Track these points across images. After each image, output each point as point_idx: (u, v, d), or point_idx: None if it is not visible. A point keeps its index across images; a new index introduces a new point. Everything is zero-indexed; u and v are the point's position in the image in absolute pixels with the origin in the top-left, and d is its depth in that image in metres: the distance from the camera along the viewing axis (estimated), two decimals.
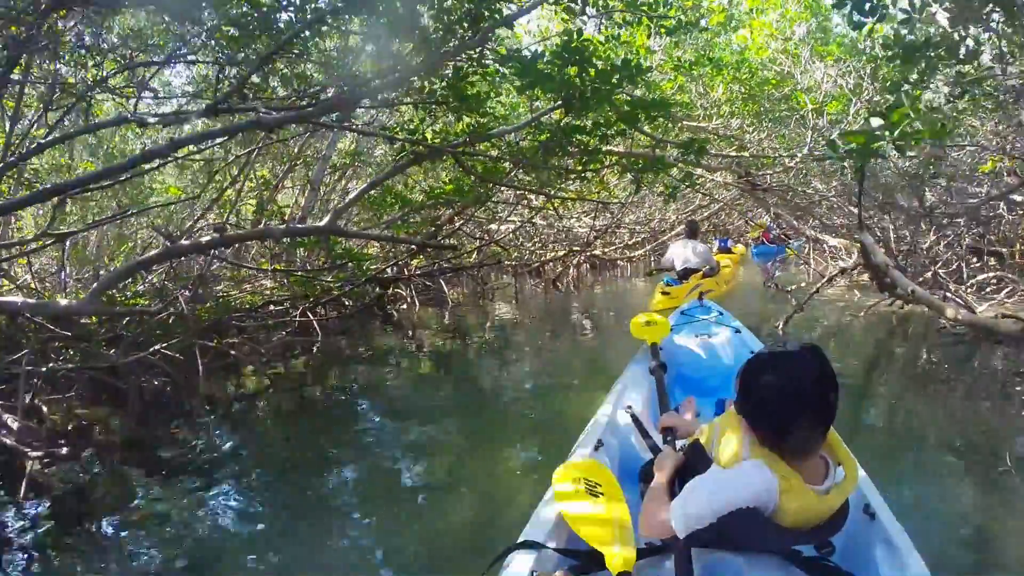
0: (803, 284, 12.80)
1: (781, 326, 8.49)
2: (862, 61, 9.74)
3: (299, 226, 7.59)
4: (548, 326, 11.46)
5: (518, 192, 10.58)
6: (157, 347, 6.21)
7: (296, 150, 11.42)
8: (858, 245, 16.15)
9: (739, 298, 12.93)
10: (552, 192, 9.34)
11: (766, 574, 2.04)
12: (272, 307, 9.59)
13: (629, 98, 5.69)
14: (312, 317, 9.23)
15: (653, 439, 3.12)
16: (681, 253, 10.39)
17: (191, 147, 7.63)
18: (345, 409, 6.97)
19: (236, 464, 5.29)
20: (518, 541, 2.29)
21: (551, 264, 15.74)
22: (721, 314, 5.80)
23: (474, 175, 7.69)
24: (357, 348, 9.51)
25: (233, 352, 7.42)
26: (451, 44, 5.55)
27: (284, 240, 8.75)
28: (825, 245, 16.37)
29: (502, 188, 9.46)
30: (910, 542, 2.30)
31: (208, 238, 6.41)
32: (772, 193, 12.21)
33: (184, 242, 6.36)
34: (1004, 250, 12.15)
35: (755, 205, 19.78)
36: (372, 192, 8.08)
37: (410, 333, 10.65)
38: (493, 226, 14.11)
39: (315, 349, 8.76)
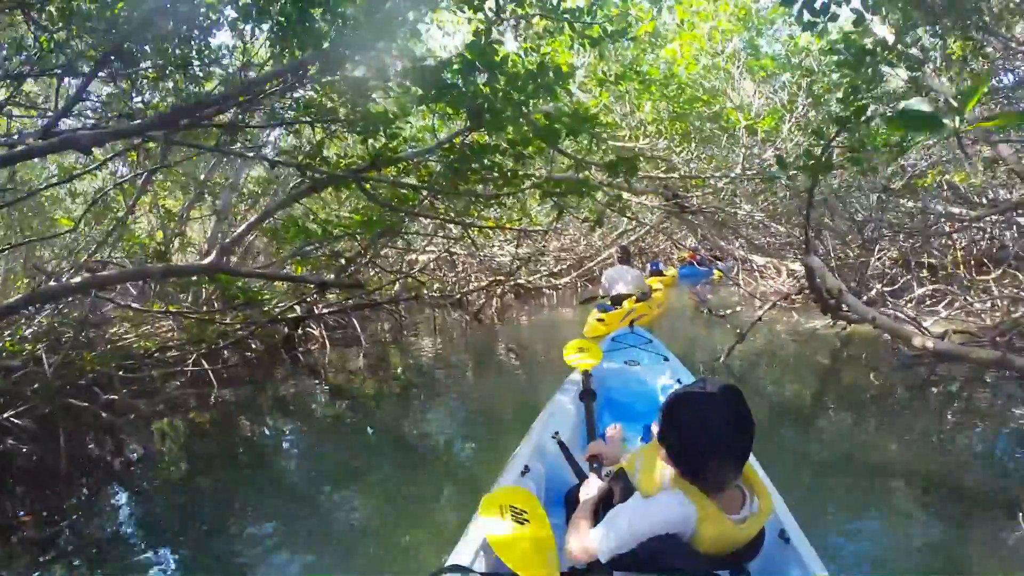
0: (738, 308, 12.39)
1: (723, 358, 7.96)
2: (795, 75, 9.28)
3: (180, 264, 6.70)
4: (471, 362, 10.89)
5: (433, 221, 9.80)
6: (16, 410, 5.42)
7: (202, 178, 10.51)
8: (787, 265, 16.25)
9: (673, 323, 12.52)
10: (469, 221, 8.63)
11: None
12: (169, 352, 8.69)
13: (547, 113, 4.95)
14: (207, 366, 8.20)
15: (580, 465, 3.19)
16: (614, 279, 10.37)
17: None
18: (249, 468, 6.18)
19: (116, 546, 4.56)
20: (444, 565, 2.32)
21: (474, 295, 14.93)
22: (650, 342, 5.89)
23: (380, 204, 6.94)
24: (263, 396, 8.60)
25: (104, 413, 6.34)
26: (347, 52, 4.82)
27: (168, 279, 7.72)
28: (753, 265, 16.27)
29: (417, 218, 8.72)
30: (821, 563, 2.41)
31: (79, 279, 5.64)
32: (700, 215, 11.74)
33: (53, 283, 5.54)
34: (935, 262, 11.88)
35: (681, 227, 19.55)
36: (267, 224, 7.23)
37: (322, 376, 9.78)
38: (411, 256, 13.30)
39: (212, 400, 7.82)
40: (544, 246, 15.91)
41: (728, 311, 11.85)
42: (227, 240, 6.59)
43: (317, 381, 9.47)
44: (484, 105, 4.46)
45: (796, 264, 15.11)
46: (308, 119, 6.17)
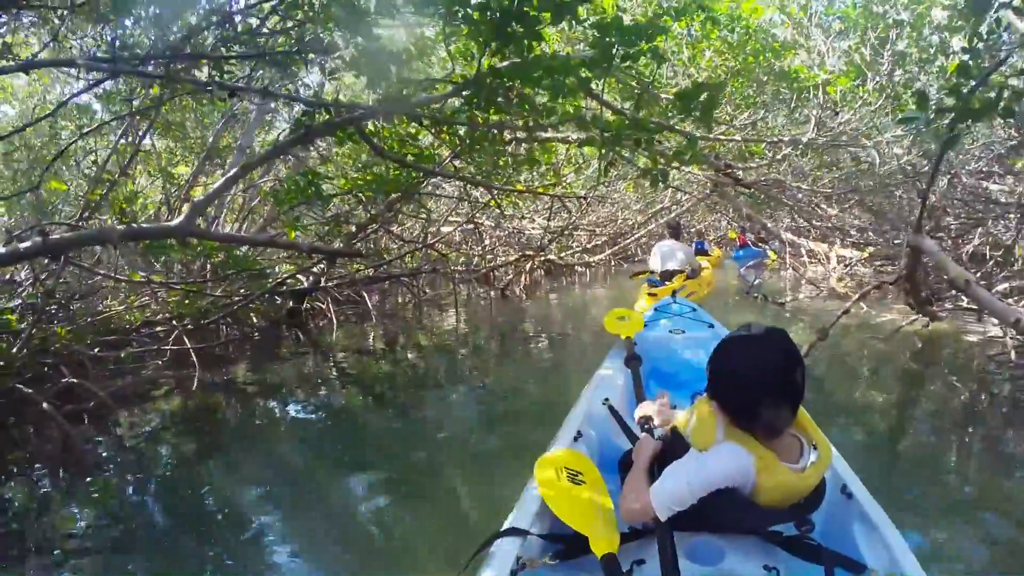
0: (800, 295, 11.39)
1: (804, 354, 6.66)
2: (879, 28, 7.98)
3: (144, 227, 5.68)
4: (497, 340, 9.96)
5: (456, 183, 8.71)
6: None
7: (212, 139, 9.52)
8: (836, 251, 15.01)
9: (721, 308, 11.28)
10: (497, 184, 7.54)
11: (747, 554, 2.13)
12: (157, 328, 7.80)
13: (598, 24, 3.77)
14: (189, 344, 7.15)
15: (631, 429, 3.14)
16: (665, 254, 9.92)
17: None
18: (228, 467, 5.28)
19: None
20: (502, 529, 2.24)
21: (501, 271, 13.82)
22: (694, 310, 5.81)
23: (390, 158, 5.88)
24: (259, 377, 7.64)
25: (44, 405, 5.30)
26: None
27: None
28: (802, 249, 15.12)
29: (435, 179, 7.66)
30: (887, 518, 2.31)
31: (28, 244, 4.68)
32: (756, 190, 10.55)
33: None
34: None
35: (724, 206, 18.31)
36: (268, 184, 6.20)
37: (329, 355, 8.76)
38: (434, 228, 12.23)
39: (196, 383, 6.74)
40: (578, 219, 14.66)
41: (788, 298, 10.80)
42: (200, 199, 5.54)
43: (323, 360, 8.51)
44: (515, 16, 3.33)
45: (846, 250, 14.08)
46: (301, 54, 5.11)
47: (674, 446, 2.35)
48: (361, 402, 6.97)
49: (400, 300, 12.45)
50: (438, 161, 6.90)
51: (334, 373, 7.96)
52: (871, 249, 13.31)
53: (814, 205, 13.15)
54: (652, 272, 9.93)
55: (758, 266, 17.46)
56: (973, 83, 3.31)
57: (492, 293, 13.18)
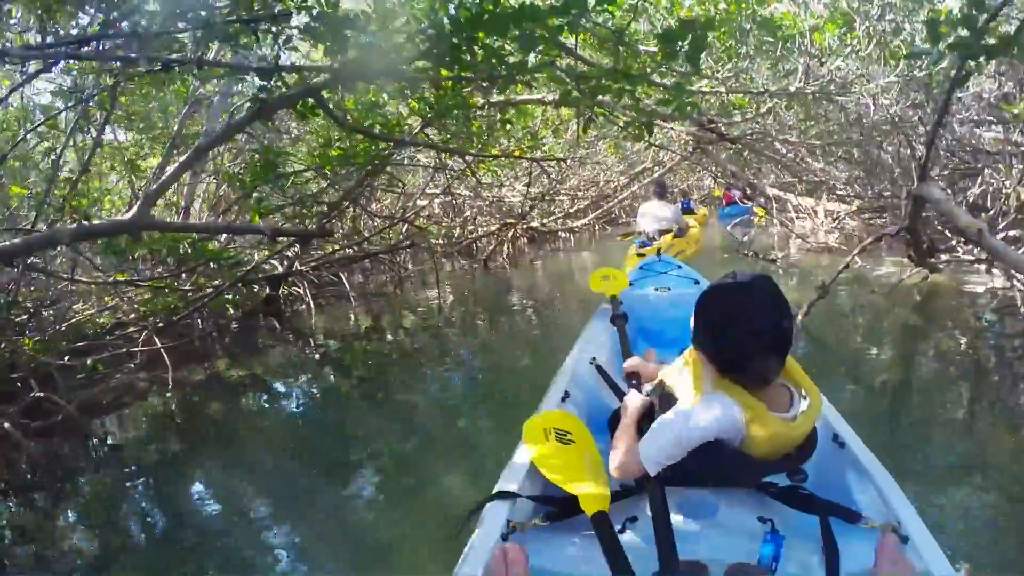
0: (781, 252, 11.34)
1: (800, 317, 6.31)
2: None
3: (94, 224, 5.32)
4: (482, 314, 9.67)
5: (430, 153, 8.34)
6: None
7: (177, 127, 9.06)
8: (824, 205, 14.71)
9: (711, 266, 11.02)
10: (471, 151, 7.20)
11: (741, 506, 2.12)
12: (129, 329, 7.41)
13: None
14: (159, 343, 6.79)
15: (619, 387, 3.12)
16: (651, 214, 10.05)
17: None
18: (211, 478, 4.89)
19: None
20: (493, 492, 2.19)
21: (482, 241, 13.45)
22: (680, 267, 5.85)
23: (350, 128, 5.53)
24: (236, 372, 7.24)
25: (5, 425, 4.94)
26: None
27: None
28: (789, 204, 14.84)
29: (407, 149, 7.29)
30: (881, 466, 2.29)
31: None
32: (746, 145, 10.20)
33: None
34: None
35: (708, 164, 17.96)
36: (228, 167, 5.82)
37: (310, 341, 8.43)
38: (408, 202, 11.84)
39: (171, 384, 6.38)
40: (558, 184, 14.26)
41: (780, 254, 10.56)
42: (152, 189, 5.14)
43: (303, 347, 8.22)
44: None
45: (833, 204, 13.77)
46: (250, 24, 4.70)
47: (661, 400, 2.30)
48: (346, 387, 6.76)
49: (384, 278, 12.05)
50: (408, 131, 6.54)
51: (315, 359, 7.69)
52: (858, 202, 13.11)
53: (800, 159, 12.81)
54: (639, 233, 9.99)
55: (746, 223, 17.12)
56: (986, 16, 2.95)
57: (474, 265, 12.82)
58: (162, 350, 6.66)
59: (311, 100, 4.90)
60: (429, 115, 6.33)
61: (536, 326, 8.55)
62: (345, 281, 9.47)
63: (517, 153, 8.24)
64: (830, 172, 13.80)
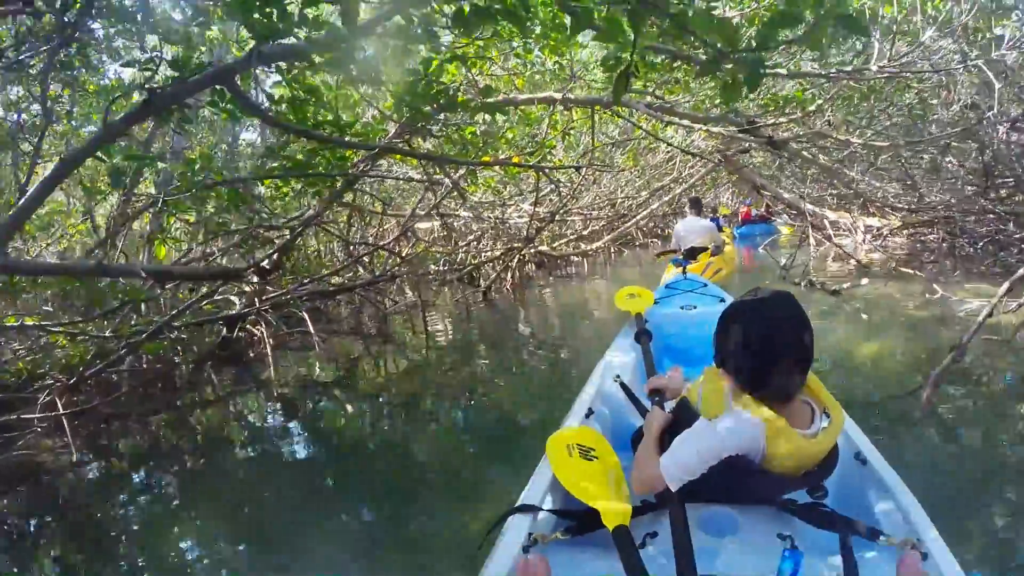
0: (817, 271, 10.60)
1: (928, 395, 4.50)
2: None
3: None
4: (475, 361, 7.89)
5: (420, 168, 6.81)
6: None
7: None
8: (864, 220, 13.19)
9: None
10: (461, 159, 5.69)
11: (760, 523, 2.11)
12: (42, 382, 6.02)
13: None
14: (60, 407, 5.27)
15: (643, 404, 3.13)
16: (688, 231, 9.54)
17: None
18: None
19: None
20: (515, 506, 2.22)
21: (485, 268, 11.81)
22: (705, 285, 5.91)
23: (284, 127, 4.08)
24: (171, 433, 5.80)
25: None
26: None
27: None
28: (825, 220, 13.49)
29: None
30: (903, 483, 2.28)
31: None
32: (793, 152, 8.66)
33: None
34: None
35: (730, 178, 16.54)
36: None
37: (267, 391, 6.90)
38: (387, 225, 10.29)
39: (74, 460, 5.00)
40: (569, 202, 12.62)
41: (845, 286, 9.15)
42: (9, 217, 3.64)
43: (260, 400, 6.75)
44: None
45: (873, 219, 12.69)
46: None
47: (684, 416, 2.29)
48: (320, 452, 5.39)
49: (376, 311, 10.37)
50: (378, 136, 5.04)
51: (275, 420, 6.18)
52: (904, 216, 12.12)
53: (844, 168, 11.29)
54: (677, 251, 9.40)
55: (770, 244, 15.61)
56: None
57: (464, 295, 11.11)
58: (71, 414, 5.30)
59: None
60: (407, 113, 4.83)
61: (540, 374, 7.08)
62: (308, 321, 7.79)
63: (515, 160, 6.57)
64: (875, 183, 12.38)
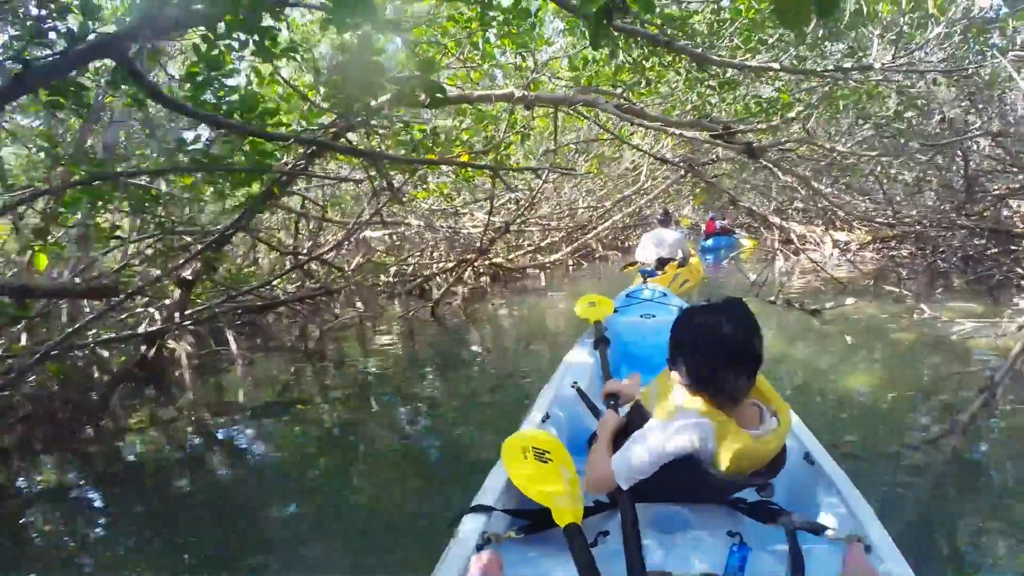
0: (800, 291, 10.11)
1: (958, 433, 3.98)
2: None
3: None
4: (416, 384, 7.05)
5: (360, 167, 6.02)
6: None
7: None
8: (831, 235, 12.77)
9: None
10: (404, 156, 4.92)
11: (711, 521, 2.17)
12: None
13: None
14: None
15: (599, 409, 3.09)
16: (658, 242, 9.56)
17: None
18: None
19: None
20: (470, 506, 2.27)
21: (437, 281, 10.98)
22: (665, 295, 5.88)
23: (183, 111, 3.38)
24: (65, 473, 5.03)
25: None
26: None
27: None
28: (792, 234, 13.13)
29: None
30: (850, 482, 2.36)
31: None
32: (771, 161, 8.06)
33: None
34: None
35: (692, 191, 16.08)
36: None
37: (191, 417, 6.05)
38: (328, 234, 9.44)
39: None
40: (526, 211, 11.84)
41: (828, 305, 8.63)
42: None
43: (173, 427, 5.88)
44: None
45: (841, 234, 12.70)
46: None
47: (637, 419, 2.32)
48: (237, 487, 4.75)
49: (316, 325, 9.44)
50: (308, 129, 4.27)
51: (189, 449, 5.38)
52: (868, 230, 12.10)
53: (818, 180, 10.82)
54: (643, 263, 9.45)
55: (734, 257, 15.06)
56: None
57: (416, 311, 10.21)
58: None
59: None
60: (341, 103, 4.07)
61: (489, 394, 6.41)
62: (232, 340, 6.89)
63: (462, 156, 5.74)
64: (847, 197, 12.00)
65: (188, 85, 3.70)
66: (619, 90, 7.28)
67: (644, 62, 6.95)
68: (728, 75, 7.42)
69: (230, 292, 7.63)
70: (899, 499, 3.76)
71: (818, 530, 2.07)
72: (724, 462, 2.00)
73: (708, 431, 1.98)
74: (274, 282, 8.81)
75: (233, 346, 6.77)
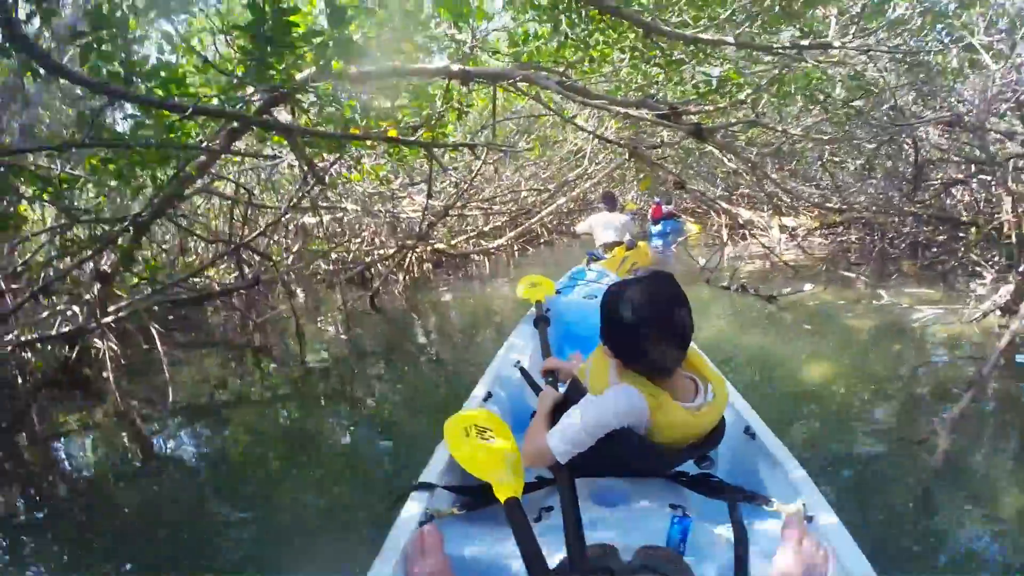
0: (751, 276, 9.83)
1: (943, 445, 3.80)
2: None
3: None
4: (356, 377, 6.78)
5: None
6: None
7: None
8: (779, 220, 12.71)
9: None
10: (328, 132, 4.56)
11: (653, 494, 2.20)
12: None
13: None
14: None
15: (541, 388, 3.05)
16: (603, 225, 9.69)
17: None
18: None
19: None
20: (413, 484, 2.27)
21: (379, 268, 10.56)
22: (607, 275, 5.99)
23: (79, 81, 3.05)
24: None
25: None
26: None
27: None
28: (739, 219, 13.09)
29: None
30: (790, 455, 2.38)
31: None
32: (724, 145, 7.86)
33: None
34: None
35: (637, 175, 15.90)
36: None
37: (111, 423, 5.63)
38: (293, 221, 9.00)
39: None
40: (468, 194, 11.44)
41: (786, 291, 8.39)
42: None
43: (94, 434, 5.51)
44: None
45: (790, 219, 12.63)
46: None
47: (574, 394, 2.36)
48: (163, 500, 4.30)
49: (249, 318, 8.94)
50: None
51: (111, 459, 5.03)
52: (816, 216, 12.17)
53: (765, 165, 10.67)
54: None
55: (681, 244, 14.91)
56: None
57: (355, 300, 9.74)
58: None
59: None
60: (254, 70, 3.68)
61: (431, 383, 6.40)
62: (157, 338, 6.37)
63: (389, 130, 5.27)
64: (794, 184, 11.94)
65: (80, 50, 3.29)
66: (562, 68, 6.95)
67: (588, 39, 6.63)
68: (676, 55, 7.15)
69: (156, 285, 7.15)
70: (862, 489, 3.68)
71: (760, 502, 2.13)
72: (659, 434, 2.04)
73: (641, 404, 1.99)
74: (205, 272, 8.33)
75: (159, 344, 6.25)
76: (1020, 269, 6.33)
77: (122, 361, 6.43)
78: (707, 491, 2.20)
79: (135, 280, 7.29)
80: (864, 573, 1.78)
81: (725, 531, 2.01)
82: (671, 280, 2.06)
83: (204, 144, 4.81)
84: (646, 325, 2.00)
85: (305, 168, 4.93)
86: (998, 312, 6.42)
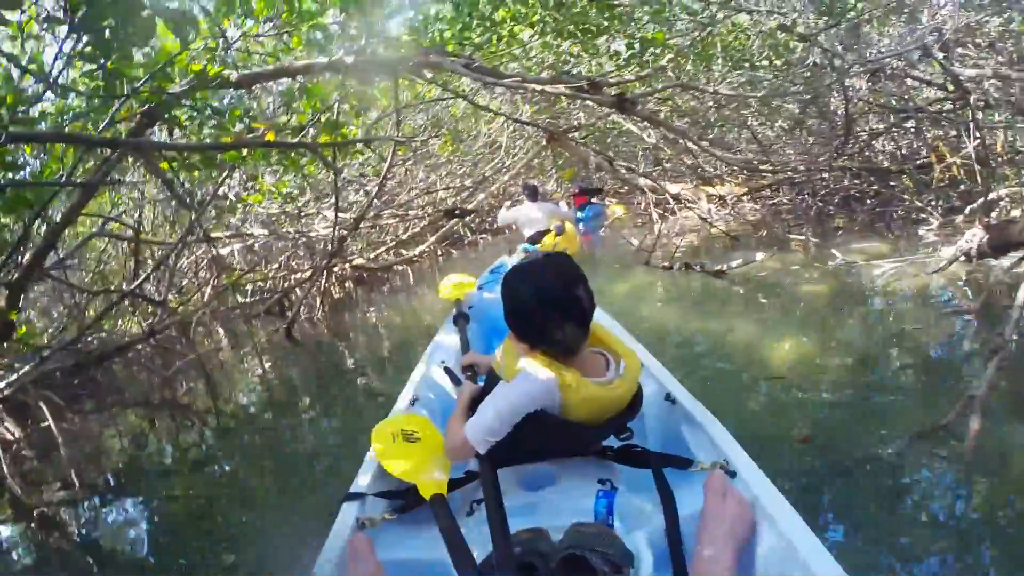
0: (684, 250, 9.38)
1: (975, 427, 3.16)
2: None
3: None
4: (280, 419, 6.10)
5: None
6: None
7: None
8: (705, 191, 12.34)
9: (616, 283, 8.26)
10: (200, 144, 3.88)
11: (580, 473, 2.19)
12: None
13: None
14: None
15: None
16: (529, 217, 9.67)
17: None
18: None
19: None
20: (345, 495, 2.28)
21: (294, 295, 9.75)
22: None
23: None
24: None
25: None
26: None
27: None
28: (667, 195, 12.64)
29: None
30: (712, 416, 2.41)
31: None
32: (651, 117, 7.37)
33: None
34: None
35: (555, 164, 15.45)
36: None
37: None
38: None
39: None
40: (379, 200, 10.58)
41: (734, 264, 7.64)
42: None
43: None
44: None
45: (718, 189, 12.40)
46: None
47: (492, 385, 2.31)
48: None
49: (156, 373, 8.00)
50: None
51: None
52: (735, 184, 11.99)
53: (690, 132, 10.23)
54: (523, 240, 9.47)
55: (600, 225, 14.48)
56: None
57: (269, 333, 8.93)
58: None
59: None
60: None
61: (362, 407, 5.98)
62: (51, 417, 5.49)
63: (270, 138, 4.51)
64: (719, 151, 11.58)
65: None
66: (468, 51, 6.32)
67: (494, 15, 6.01)
68: (585, 25, 6.61)
69: (43, 352, 6.27)
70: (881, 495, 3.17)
71: (684, 464, 2.17)
72: (574, 412, 2.03)
73: (551, 383, 1.99)
74: (103, 326, 7.42)
75: (50, 420, 5.39)
76: (990, 215, 5.98)
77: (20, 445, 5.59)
78: (633, 462, 2.23)
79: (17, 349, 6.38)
80: (789, 520, 1.79)
81: (654, 498, 2.02)
82: (566, 259, 2.10)
83: (64, 178, 4.03)
84: (545, 306, 2.01)
85: (169, 193, 4.17)
86: (962, 258, 6.07)
